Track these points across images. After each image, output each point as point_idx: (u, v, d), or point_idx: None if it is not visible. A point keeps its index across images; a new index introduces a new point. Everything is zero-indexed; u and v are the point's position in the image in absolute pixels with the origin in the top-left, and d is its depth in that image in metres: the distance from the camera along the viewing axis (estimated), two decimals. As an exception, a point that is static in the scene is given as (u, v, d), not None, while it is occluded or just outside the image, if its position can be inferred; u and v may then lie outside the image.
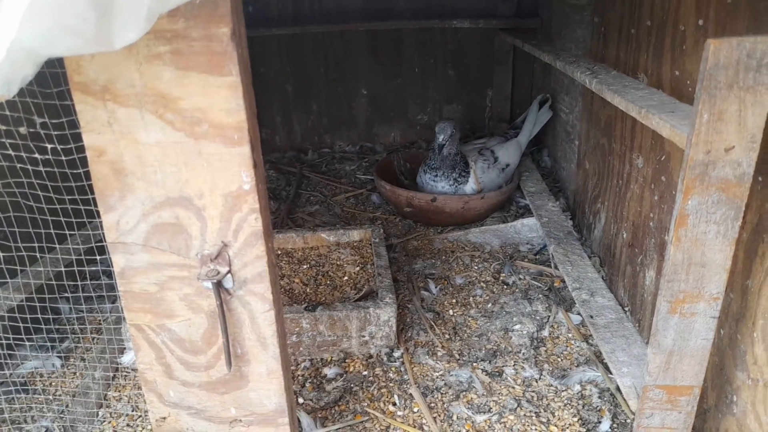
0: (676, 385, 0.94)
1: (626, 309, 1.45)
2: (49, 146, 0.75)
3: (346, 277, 1.66)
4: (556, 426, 1.20)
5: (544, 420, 1.22)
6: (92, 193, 0.72)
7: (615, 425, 1.19)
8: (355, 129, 2.88)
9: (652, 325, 0.91)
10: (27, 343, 1.35)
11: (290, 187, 2.43)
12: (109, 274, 1.66)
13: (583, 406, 1.25)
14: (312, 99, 2.80)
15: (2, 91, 0.56)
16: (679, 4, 1.16)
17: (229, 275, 0.75)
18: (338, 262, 1.72)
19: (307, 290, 1.59)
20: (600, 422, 1.20)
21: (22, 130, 0.75)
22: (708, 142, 0.76)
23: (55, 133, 0.74)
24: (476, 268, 1.81)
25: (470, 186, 2.02)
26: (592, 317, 1.39)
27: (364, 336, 1.41)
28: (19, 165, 0.76)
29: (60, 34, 0.53)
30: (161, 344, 0.80)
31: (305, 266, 1.71)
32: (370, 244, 1.78)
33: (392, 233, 2.04)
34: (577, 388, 1.30)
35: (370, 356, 1.42)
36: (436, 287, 1.70)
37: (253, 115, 0.69)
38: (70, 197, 0.86)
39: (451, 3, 2.64)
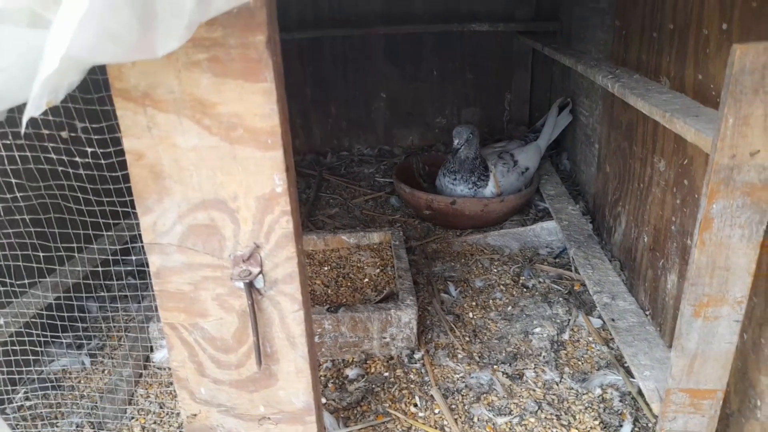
0: (699, 388, 0.94)
1: (647, 313, 1.45)
2: (89, 150, 0.78)
3: (366, 279, 1.67)
4: (577, 429, 1.21)
5: (564, 423, 1.22)
6: (126, 195, 0.75)
7: (636, 429, 1.20)
8: (373, 132, 2.91)
9: (676, 328, 0.91)
10: (59, 341, 1.38)
11: (310, 190, 2.45)
12: (135, 275, 1.70)
13: (604, 410, 1.25)
14: (331, 102, 2.82)
15: (50, 97, 0.58)
16: (702, 7, 1.16)
17: (260, 276, 0.77)
18: (358, 264, 1.74)
19: (329, 292, 1.62)
20: (621, 425, 1.20)
21: (64, 134, 0.78)
22: (733, 146, 0.77)
23: (95, 137, 0.77)
24: (496, 271, 1.82)
25: (490, 189, 2.03)
26: (613, 320, 1.40)
27: (385, 337, 1.42)
28: (60, 168, 0.80)
29: (106, 43, 0.56)
30: (194, 343, 0.82)
31: (326, 268, 1.73)
32: (390, 247, 1.80)
33: (411, 236, 2.06)
34: (598, 391, 1.31)
35: (391, 357, 1.44)
36: (455, 290, 1.71)
37: (285, 120, 0.71)
38: (107, 199, 0.89)
39: (469, 7, 2.65)
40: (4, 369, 1.14)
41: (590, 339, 1.48)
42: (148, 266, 0.78)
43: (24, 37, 0.58)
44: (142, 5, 0.55)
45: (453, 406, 1.28)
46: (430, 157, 2.47)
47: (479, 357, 1.44)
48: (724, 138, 0.77)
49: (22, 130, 0.59)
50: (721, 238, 0.83)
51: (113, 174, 0.79)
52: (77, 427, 1.23)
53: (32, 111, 0.57)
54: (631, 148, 1.61)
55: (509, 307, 1.63)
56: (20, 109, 0.61)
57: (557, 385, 1.33)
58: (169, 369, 1.37)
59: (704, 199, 0.81)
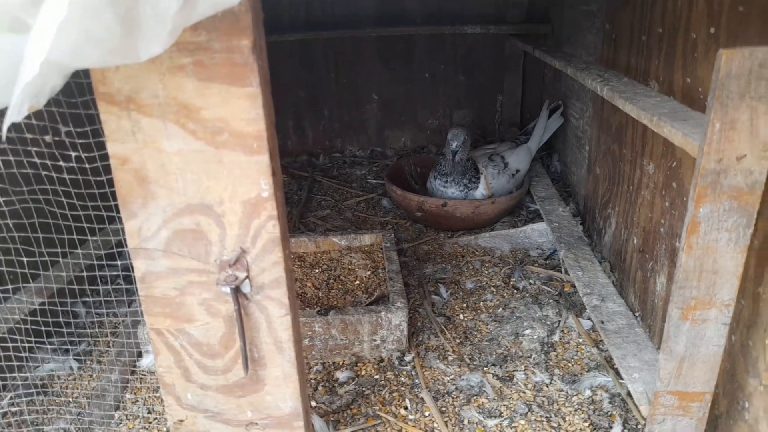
0: (687, 391, 0.94)
1: (637, 314, 1.46)
2: (73, 154, 0.77)
3: (357, 282, 1.67)
4: (566, 431, 1.21)
5: (554, 425, 1.22)
6: (112, 200, 0.74)
7: (626, 430, 1.20)
8: (365, 134, 2.91)
9: (664, 331, 0.91)
10: (45, 346, 1.37)
11: (302, 192, 2.45)
12: (124, 278, 1.69)
13: (594, 411, 1.26)
14: (323, 104, 2.82)
15: (33, 102, 0.58)
16: (690, 11, 1.17)
17: (246, 280, 0.76)
18: (350, 267, 1.74)
19: (319, 294, 1.61)
20: (611, 427, 1.20)
21: (48, 138, 0.77)
22: (720, 150, 0.77)
23: (80, 141, 0.76)
24: (486, 272, 1.82)
25: (480, 192, 2.03)
26: (603, 322, 1.40)
27: (375, 340, 1.42)
28: (44, 172, 0.79)
29: (87, 46, 0.55)
30: (180, 348, 0.82)
31: (317, 270, 1.72)
32: (381, 249, 1.79)
33: (403, 238, 2.05)
34: (588, 393, 1.31)
35: (382, 360, 1.43)
36: (446, 291, 1.71)
37: (272, 124, 0.71)
38: (92, 204, 0.88)
39: (461, 9, 2.65)
40: (-10, 374, 1.13)
41: (580, 341, 1.49)
42: (132, 271, 0.77)
43: (4, 41, 0.57)
44: (124, 9, 0.54)
45: (443, 409, 1.28)
46: (421, 158, 2.47)
47: (470, 359, 1.44)
48: (710, 142, 0.77)
49: (3, 135, 0.58)
50: (708, 242, 0.83)
51: (98, 178, 0.78)
52: (64, 432, 1.22)
53: (14, 116, 0.56)
54: (621, 151, 1.61)
55: (500, 309, 1.63)
56: (1, 113, 0.61)
57: (547, 386, 1.34)
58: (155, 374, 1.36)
59: (691, 203, 0.82)
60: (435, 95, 2.83)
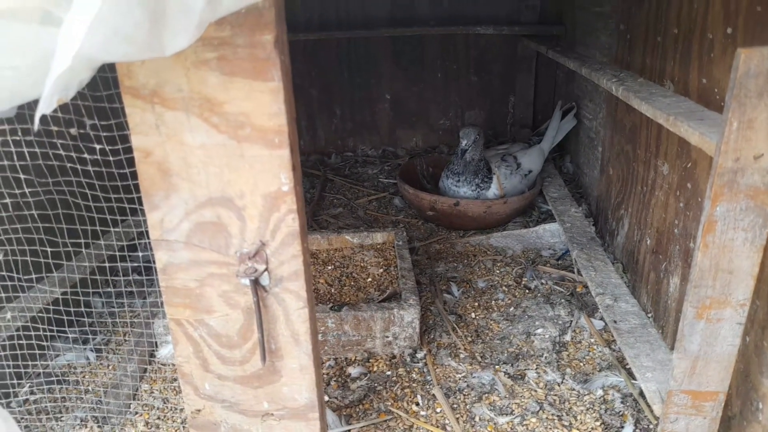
0: (701, 390, 0.94)
1: (649, 315, 1.45)
2: (97, 147, 0.79)
3: (369, 279, 1.68)
4: (578, 429, 1.21)
5: (566, 423, 1.23)
6: (133, 192, 0.75)
7: (638, 430, 1.20)
8: (377, 133, 2.92)
9: (678, 330, 0.91)
10: (65, 336, 1.39)
11: (314, 190, 2.46)
12: (141, 271, 1.71)
13: (606, 411, 1.26)
14: (336, 103, 2.83)
15: (62, 95, 0.59)
16: (706, 12, 1.17)
17: (265, 273, 0.78)
18: (362, 264, 1.75)
19: (332, 291, 1.62)
20: (623, 427, 1.21)
21: (73, 131, 0.79)
22: (737, 149, 0.77)
23: (104, 134, 0.78)
24: (498, 272, 1.82)
25: (493, 191, 2.04)
26: (615, 322, 1.40)
27: (387, 336, 1.43)
28: (69, 165, 0.80)
29: (117, 41, 0.57)
30: (199, 338, 0.83)
31: (330, 267, 1.74)
32: (394, 247, 1.80)
33: (415, 236, 2.06)
34: (600, 392, 1.31)
35: (394, 356, 1.44)
36: (458, 290, 1.72)
37: (292, 119, 0.72)
38: (114, 196, 0.90)
39: (474, 10, 2.66)
40: (10, 363, 1.15)
41: (592, 340, 1.49)
42: (153, 262, 0.78)
43: (35, 35, 0.59)
44: (153, 5, 0.55)
45: (455, 406, 1.29)
46: (433, 158, 2.47)
47: (481, 357, 1.44)
48: (728, 141, 0.77)
49: (34, 128, 0.59)
50: (724, 241, 0.83)
51: (121, 171, 0.80)
52: (81, 421, 1.24)
53: (44, 108, 0.58)
54: (635, 152, 1.61)
55: (511, 308, 1.63)
56: (29, 106, 0.62)
57: (559, 385, 1.34)
58: (173, 365, 1.38)
59: (708, 202, 0.82)
60: (447, 95, 2.83)
